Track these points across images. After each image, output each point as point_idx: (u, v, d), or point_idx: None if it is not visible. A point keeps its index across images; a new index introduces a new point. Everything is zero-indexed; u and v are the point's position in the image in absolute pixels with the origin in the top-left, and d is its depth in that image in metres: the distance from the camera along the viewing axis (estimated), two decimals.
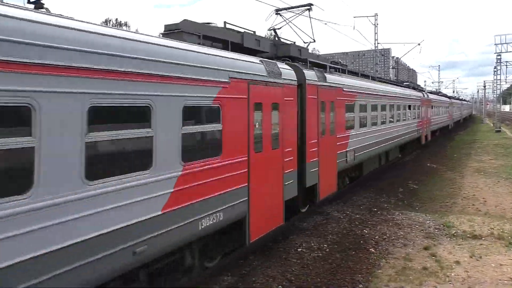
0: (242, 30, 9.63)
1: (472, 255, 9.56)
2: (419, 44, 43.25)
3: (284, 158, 9.52)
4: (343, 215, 12.60)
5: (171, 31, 7.59)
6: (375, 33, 41.02)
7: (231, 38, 8.78)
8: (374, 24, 40.82)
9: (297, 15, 13.06)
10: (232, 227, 7.88)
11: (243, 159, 7.90)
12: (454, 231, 11.30)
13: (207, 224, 6.91)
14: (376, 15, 41.02)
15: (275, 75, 9.13)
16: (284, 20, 13.03)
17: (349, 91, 14.03)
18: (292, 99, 9.94)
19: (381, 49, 45.66)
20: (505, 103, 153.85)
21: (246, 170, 8.00)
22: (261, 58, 9.21)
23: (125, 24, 75.08)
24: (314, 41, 13.57)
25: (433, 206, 14.43)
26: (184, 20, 7.83)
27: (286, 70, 9.86)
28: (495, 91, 68.44)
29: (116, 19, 76.67)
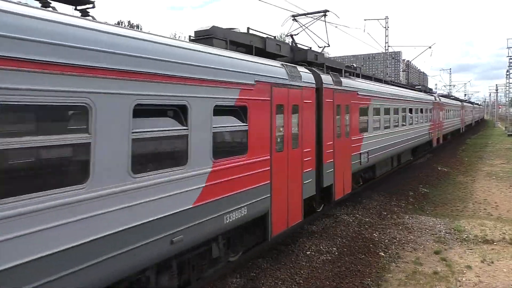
0: (265, 36, 9.94)
1: (483, 259, 9.46)
2: (430, 47, 42.97)
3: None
4: (353, 218, 12.53)
5: (202, 37, 8.02)
6: (386, 36, 40.87)
7: (255, 44, 9.26)
8: (385, 27, 40.68)
9: (313, 21, 13.56)
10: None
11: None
12: (465, 235, 11.19)
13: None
14: (386, 18, 40.89)
15: (295, 78, 9.57)
16: (301, 26, 13.88)
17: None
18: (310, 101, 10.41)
19: (392, 52, 45.40)
20: None
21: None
22: (283, 63, 9.57)
23: (138, 26, 75.37)
24: (329, 46, 14.25)
25: (444, 210, 14.31)
26: (213, 26, 8.20)
27: (305, 74, 10.24)
28: (507, 95, 67.66)
29: (129, 21, 76.97)
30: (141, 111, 5.29)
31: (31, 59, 4.08)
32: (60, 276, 4.34)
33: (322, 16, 13.49)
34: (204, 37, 7.99)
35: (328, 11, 13.34)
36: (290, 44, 12.06)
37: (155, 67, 5.51)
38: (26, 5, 4.38)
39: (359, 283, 8.25)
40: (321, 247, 10.01)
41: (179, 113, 6.00)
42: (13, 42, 3.96)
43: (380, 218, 12.84)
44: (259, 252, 9.37)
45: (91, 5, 5.69)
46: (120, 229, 5.01)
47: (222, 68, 6.93)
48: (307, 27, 13.66)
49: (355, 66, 16.26)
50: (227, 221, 7.04)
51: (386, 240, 10.78)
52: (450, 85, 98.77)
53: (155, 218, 5.52)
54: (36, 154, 4.37)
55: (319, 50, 13.44)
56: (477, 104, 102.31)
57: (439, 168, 22.99)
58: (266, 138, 8.20)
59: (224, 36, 8.26)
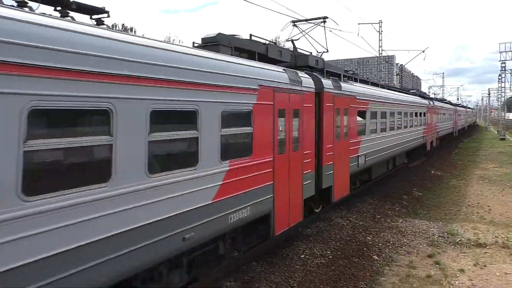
0: (267, 42, 10.42)
1: (476, 263, 9.52)
2: (423, 51, 43.31)
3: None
4: (347, 221, 12.57)
5: (209, 43, 8.36)
6: (380, 40, 41.11)
7: (258, 49, 9.61)
8: (379, 31, 40.92)
9: (313, 26, 13.92)
10: None
11: None
12: (459, 239, 11.25)
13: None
14: (380, 22, 41.13)
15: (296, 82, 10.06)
16: (301, 32, 14.14)
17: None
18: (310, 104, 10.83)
19: (385, 56, 45.68)
20: (509, 110, 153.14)
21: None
22: (284, 68, 9.98)
23: (131, 29, 74.81)
24: (327, 51, 14.32)
25: (437, 213, 14.38)
26: (219, 33, 8.58)
27: (305, 79, 10.62)
28: (500, 99, 68.30)
29: (123, 25, 76.32)
30: None
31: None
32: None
33: (321, 22, 13.86)
34: (211, 43, 8.33)
35: (327, 17, 13.65)
36: (292, 50, 12.34)
37: None
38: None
39: (353, 286, 8.27)
40: (316, 250, 10.02)
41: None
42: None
43: (374, 221, 12.88)
44: (253, 255, 9.38)
45: (106, 15, 5.95)
46: None
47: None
48: (307, 33, 13.95)
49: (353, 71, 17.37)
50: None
51: (380, 244, 10.81)
52: (443, 90, 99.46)
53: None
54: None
55: (318, 55, 13.80)
56: (470, 108, 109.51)
57: (432, 172, 23.12)
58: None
59: (229, 42, 8.59)
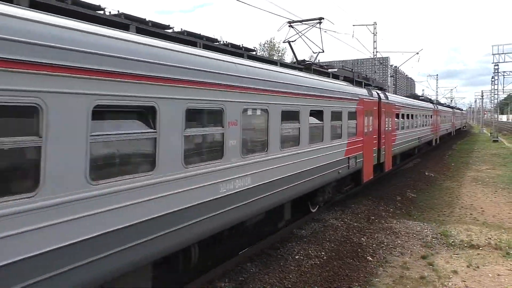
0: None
1: (469, 264, 9.58)
2: (417, 53, 43.61)
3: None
4: (341, 222, 12.60)
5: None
6: (374, 42, 41.30)
7: (346, 74, 15.63)
8: (373, 33, 41.11)
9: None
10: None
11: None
12: (452, 240, 11.32)
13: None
14: (375, 23, 41.35)
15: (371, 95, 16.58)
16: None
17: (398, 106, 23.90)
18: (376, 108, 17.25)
19: (380, 57, 45.83)
20: (502, 113, 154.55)
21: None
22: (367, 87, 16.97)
23: None
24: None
25: (431, 215, 14.46)
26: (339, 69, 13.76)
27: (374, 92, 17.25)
28: (493, 101, 68.79)
29: None
30: None
31: None
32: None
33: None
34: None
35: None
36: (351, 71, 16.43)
37: None
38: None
39: (347, 287, 8.29)
40: (310, 251, 10.04)
41: None
42: None
43: (368, 222, 12.93)
44: (248, 257, 9.38)
45: (102, 12, 5.88)
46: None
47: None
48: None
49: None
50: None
51: (374, 245, 10.85)
52: (437, 91, 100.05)
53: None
54: None
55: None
56: (459, 108, 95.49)
57: (426, 173, 23.24)
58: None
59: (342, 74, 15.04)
